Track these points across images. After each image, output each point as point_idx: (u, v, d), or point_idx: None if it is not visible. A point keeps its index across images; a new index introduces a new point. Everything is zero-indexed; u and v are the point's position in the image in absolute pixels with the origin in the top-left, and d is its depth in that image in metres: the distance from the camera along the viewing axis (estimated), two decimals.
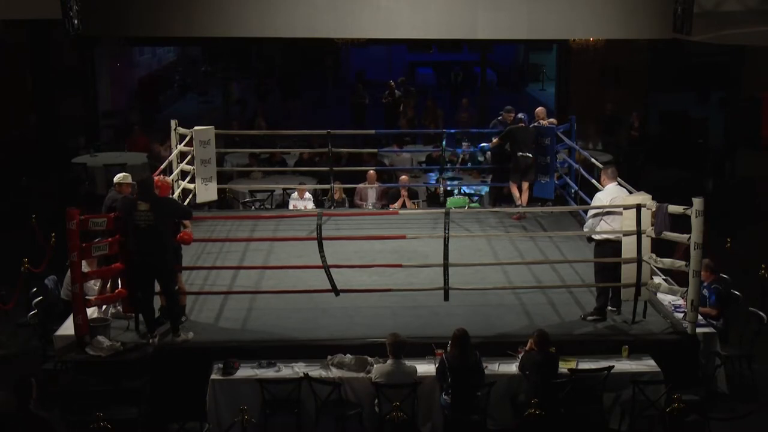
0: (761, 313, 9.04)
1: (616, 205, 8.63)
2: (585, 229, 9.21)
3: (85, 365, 8.06)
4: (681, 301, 8.93)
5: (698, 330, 8.46)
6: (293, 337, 8.52)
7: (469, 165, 14.75)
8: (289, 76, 24.69)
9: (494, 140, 12.44)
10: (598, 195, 9.01)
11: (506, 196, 12.71)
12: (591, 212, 8.97)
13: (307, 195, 12.71)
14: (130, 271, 8.28)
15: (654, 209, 8.34)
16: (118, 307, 8.69)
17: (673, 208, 8.25)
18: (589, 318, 8.82)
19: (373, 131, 15.37)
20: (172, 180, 10.40)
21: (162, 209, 8.17)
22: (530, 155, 11.96)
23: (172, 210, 8.39)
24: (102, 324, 8.38)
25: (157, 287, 8.32)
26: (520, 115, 12.26)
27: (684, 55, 18.08)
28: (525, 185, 12.07)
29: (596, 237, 8.83)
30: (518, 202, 12.02)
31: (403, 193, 12.70)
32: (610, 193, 8.85)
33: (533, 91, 26.16)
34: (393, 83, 20.08)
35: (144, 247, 8.11)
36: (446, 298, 8.63)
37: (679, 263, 8.46)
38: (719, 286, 9.12)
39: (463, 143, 15.34)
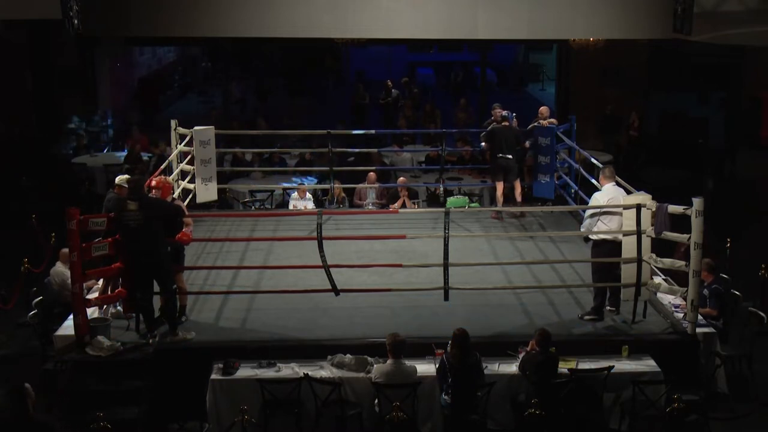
0: (761, 313, 9.04)
1: (614, 205, 8.63)
2: (582, 229, 9.19)
3: (85, 365, 8.05)
4: (680, 301, 8.93)
5: (698, 330, 8.46)
6: (293, 337, 8.51)
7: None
8: (294, 74, 24.68)
9: (483, 142, 12.29)
10: (595, 195, 8.99)
11: (505, 196, 12.68)
12: (588, 212, 8.96)
13: (308, 195, 12.71)
14: (128, 271, 8.27)
15: (654, 209, 8.34)
16: (118, 307, 8.70)
17: (673, 208, 8.24)
18: (586, 318, 8.82)
19: (373, 131, 15.39)
20: (173, 180, 10.39)
21: (150, 209, 8.11)
22: (510, 156, 11.73)
23: (160, 210, 8.28)
24: (102, 324, 8.38)
25: (157, 287, 8.31)
26: (504, 113, 11.95)
27: (684, 55, 18.03)
28: (505, 186, 11.87)
29: (593, 237, 8.81)
30: (499, 203, 11.88)
31: (403, 193, 12.69)
32: (608, 193, 8.83)
33: (533, 91, 26.15)
34: (390, 83, 20.03)
35: (136, 246, 8.10)
36: (446, 298, 8.63)
37: (679, 263, 8.46)
38: (719, 287, 9.11)
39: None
